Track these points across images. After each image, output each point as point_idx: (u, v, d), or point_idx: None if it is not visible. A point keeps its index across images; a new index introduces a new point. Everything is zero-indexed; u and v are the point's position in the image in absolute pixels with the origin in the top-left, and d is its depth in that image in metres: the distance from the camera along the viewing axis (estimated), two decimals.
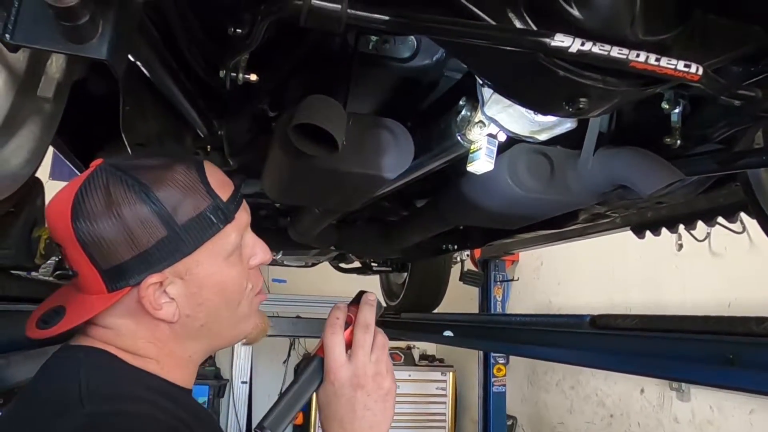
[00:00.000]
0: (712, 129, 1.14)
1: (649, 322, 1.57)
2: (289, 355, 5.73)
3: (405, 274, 3.57)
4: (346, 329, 0.80)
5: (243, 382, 5.34)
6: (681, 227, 2.03)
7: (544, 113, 0.86)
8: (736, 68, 0.94)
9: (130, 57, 0.80)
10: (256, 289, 0.81)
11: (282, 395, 0.79)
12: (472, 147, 1.09)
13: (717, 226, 2.53)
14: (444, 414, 5.35)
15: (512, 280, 4.38)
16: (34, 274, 1.20)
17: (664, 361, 1.50)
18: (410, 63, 1.16)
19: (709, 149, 1.18)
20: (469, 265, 4.17)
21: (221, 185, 0.75)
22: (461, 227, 2.36)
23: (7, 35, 0.55)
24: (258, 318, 0.83)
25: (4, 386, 0.89)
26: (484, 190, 1.29)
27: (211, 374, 5.09)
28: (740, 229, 2.83)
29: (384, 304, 0.84)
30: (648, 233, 2.10)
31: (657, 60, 0.70)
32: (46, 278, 1.26)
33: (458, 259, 3.82)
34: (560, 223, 1.80)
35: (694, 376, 1.43)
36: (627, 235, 2.16)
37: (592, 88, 0.75)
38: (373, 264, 3.42)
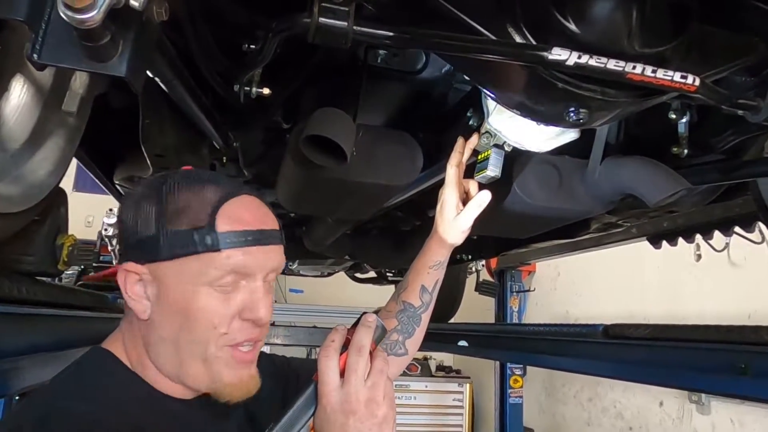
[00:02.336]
0: (718, 138, 1.15)
1: (662, 332, 1.57)
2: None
3: None
4: (342, 353, 0.75)
5: None
6: (698, 237, 2.01)
7: (546, 124, 0.88)
8: (739, 78, 0.96)
9: (148, 73, 0.84)
10: (232, 339, 0.76)
11: (275, 422, 0.74)
12: (479, 157, 1.11)
13: (736, 236, 2.52)
14: (461, 425, 5.31)
15: (528, 290, 4.36)
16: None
17: (677, 371, 1.50)
18: (420, 76, 1.19)
19: (717, 158, 1.19)
20: (485, 276, 4.17)
21: (234, 219, 0.75)
22: (474, 237, 2.38)
23: (35, 55, 0.60)
24: (230, 375, 0.77)
25: (26, 386, 0.94)
26: (493, 200, 1.31)
27: None
28: (759, 240, 2.79)
29: (388, 328, 0.82)
30: (664, 243, 2.09)
31: (653, 72, 0.72)
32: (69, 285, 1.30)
33: (474, 269, 3.81)
34: (572, 232, 1.81)
35: (706, 385, 1.43)
36: (645, 246, 2.15)
37: (591, 99, 0.77)
38: (388, 274, 3.44)
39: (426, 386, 5.30)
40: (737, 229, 1.88)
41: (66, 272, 3.56)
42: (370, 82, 1.13)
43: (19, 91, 0.89)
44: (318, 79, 1.11)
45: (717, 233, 1.93)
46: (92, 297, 1.38)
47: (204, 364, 0.76)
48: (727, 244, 3.07)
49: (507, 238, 2.15)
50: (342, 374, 0.74)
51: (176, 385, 0.79)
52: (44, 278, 1.07)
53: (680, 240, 2.05)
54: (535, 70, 0.74)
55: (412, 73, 1.15)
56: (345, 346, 0.76)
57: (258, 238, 0.76)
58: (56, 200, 0.97)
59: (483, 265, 4.05)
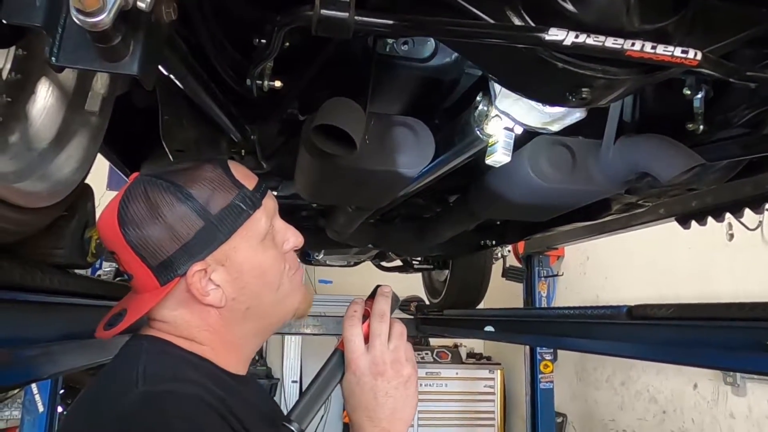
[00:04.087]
0: (734, 113, 1.13)
1: (685, 311, 1.55)
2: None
3: (446, 271, 3.59)
4: (364, 322, 0.83)
5: (293, 381, 5.48)
6: (729, 216, 1.97)
7: (550, 105, 0.89)
8: (750, 51, 0.94)
9: (163, 70, 0.88)
10: (294, 268, 0.87)
11: (306, 389, 0.82)
12: (490, 140, 1.12)
13: None
14: (493, 412, 5.33)
15: (556, 275, 4.33)
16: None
17: (701, 349, 1.49)
18: (430, 63, 1.20)
19: (734, 134, 1.18)
20: (512, 261, 4.15)
21: (245, 177, 0.82)
22: (498, 222, 2.38)
23: (53, 58, 0.63)
24: (302, 293, 0.89)
25: (65, 368, 1.00)
26: (507, 183, 1.32)
27: (263, 373, 5.25)
28: None
29: (400, 297, 0.87)
30: (694, 224, 2.06)
31: (653, 48, 0.72)
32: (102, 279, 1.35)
33: (500, 255, 3.80)
34: (593, 214, 1.80)
35: (730, 363, 1.42)
36: (675, 227, 2.12)
37: (593, 78, 0.77)
38: (414, 262, 3.46)
39: (457, 373, 5.33)
40: None
41: (104, 270, 3.69)
42: (381, 71, 1.15)
43: (44, 93, 0.94)
44: (330, 70, 1.13)
45: (748, 211, 1.89)
46: (122, 288, 1.44)
47: (285, 301, 0.85)
48: (760, 223, 3.00)
49: (530, 223, 2.15)
50: (366, 341, 0.82)
51: (236, 361, 0.85)
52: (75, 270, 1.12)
53: (710, 220, 2.02)
54: (535, 51, 0.75)
55: (422, 60, 1.16)
56: (364, 317, 0.83)
57: (264, 183, 0.85)
58: (83, 196, 1.03)
59: (509, 251, 4.04)
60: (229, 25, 0.97)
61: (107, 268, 3.77)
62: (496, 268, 3.82)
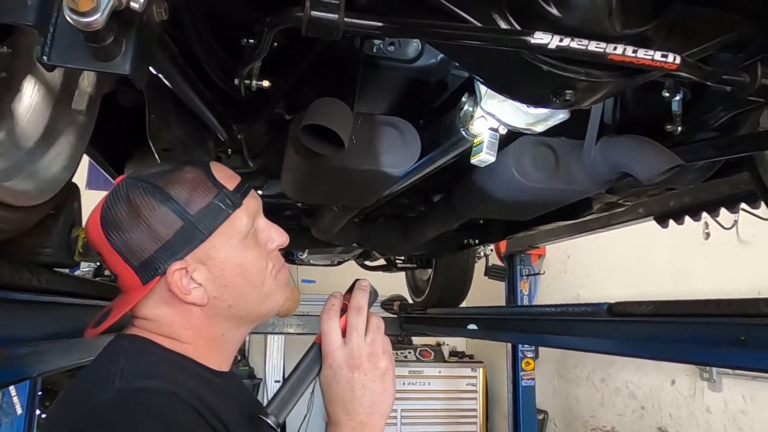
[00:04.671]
0: (711, 115, 1.17)
1: (664, 308, 1.59)
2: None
3: (430, 270, 3.62)
4: (341, 316, 0.82)
5: (276, 381, 5.47)
6: (706, 216, 2.02)
7: (535, 106, 0.91)
8: (726, 55, 0.98)
9: (151, 70, 0.88)
10: (278, 266, 0.88)
11: (283, 383, 0.81)
12: (475, 141, 1.14)
13: (745, 213, 2.51)
14: (475, 409, 5.37)
15: (538, 273, 4.38)
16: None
17: (679, 345, 1.53)
18: (416, 63, 1.22)
19: (711, 135, 1.21)
20: (494, 260, 4.19)
21: (227, 178, 0.83)
22: (481, 222, 2.41)
23: (44, 57, 0.64)
24: (287, 291, 0.89)
25: (48, 369, 1.00)
26: (491, 183, 1.34)
27: (245, 373, 5.22)
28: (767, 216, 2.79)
29: (383, 296, 0.87)
30: (672, 223, 2.10)
31: (634, 52, 0.74)
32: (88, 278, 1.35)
33: (482, 254, 3.84)
34: (575, 213, 1.84)
35: (707, 358, 1.46)
36: (654, 227, 2.17)
37: (576, 80, 0.80)
38: (397, 261, 3.48)
39: (440, 372, 5.36)
40: (744, 205, 1.89)
41: (83, 269, 3.64)
42: (368, 72, 1.16)
43: (30, 91, 0.94)
44: (317, 70, 1.14)
45: (724, 211, 1.94)
46: (109, 288, 1.43)
47: (269, 299, 0.86)
48: (736, 222, 3.08)
49: (513, 221, 2.18)
50: (343, 334, 0.81)
51: (217, 358, 0.86)
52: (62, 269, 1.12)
53: (687, 219, 2.07)
54: (520, 54, 0.76)
55: (408, 61, 1.17)
56: (342, 311, 0.83)
57: (246, 183, 0.86)
58: (70, 195, 1.02)
59: (492, 250, 4.08)
60: (218, 25, 0.98)
61: (86, 267, 3.73)
62: (479, 267, 3.86)
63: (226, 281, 0.82)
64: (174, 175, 0.81)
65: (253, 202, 0.85)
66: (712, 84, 0.90)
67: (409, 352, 5.47)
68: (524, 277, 4.00)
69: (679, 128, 1.17)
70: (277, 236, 0.88)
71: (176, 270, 0.79)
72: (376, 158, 1.15)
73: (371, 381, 0.80)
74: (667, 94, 1.15)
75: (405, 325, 3.96)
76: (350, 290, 0.87)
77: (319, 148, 1.00)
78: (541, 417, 4.61)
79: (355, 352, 0.80)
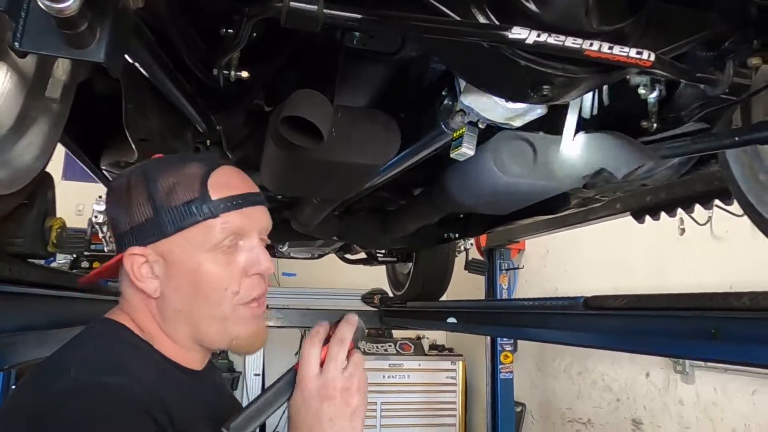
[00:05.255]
0: (685, 112, 1.19)
1: (639, 302, 1.62)
2: (300, 347, 5.83)
3: (410, 264, 3.63)
4: (324, 345, 0.80)
5: (255, 375, 5.44)
6: (680, 211, 2.06)
7: (513, 101, 0.92)
8: (701, 53, 0.99)
9: (128, 58, 0.87)
10: (245, 297, 0.82)
11: (252, 401, 0.79)
12: (454, 135, 1.15)
13: (719, 210, 2.56)
14: (454, 402, 5.41)
15: (517, 268, 4.42)
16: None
17: (653, 338, 1.55)
18: (396, 56, 1.22)
19: (685, 132, 1.23)
20: (474, 254, 4.22)
21: (221, 186, 0.81)
22: (461, 216, 2.42)
23: (16, 43, 0.62)
24: (250, 326, 0.84)
25: (22, 361, 0.98)
26: (470, 177, 1.35)
27: (224, 367, 5.19)
28: (741, 212, 2.85)
29: (365, 329, 0.85)
30: (648, 219, 2.14)
31: (609, 48, 0.76)
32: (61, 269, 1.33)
33: (463, 248, 3.86)
34: (553, 208, 1.85)
35: (679, 351, 1.49)
36: (632, 223, 2.20)
37: (553, 75, 0.81)
38: (378, 254, 3.48)
39: (419, 365, 5.38)
40: (718, 202, 1.93)
41: (59, 261, 3.59)
42: (348, 64, 1.16)
43: (2, 78, 0.91)
44: (297, 61, 1.14)
45: (698, 207, 1.98)
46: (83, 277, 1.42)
47: (221, 324, 0.82)
48: (710, 218, 3.14)
49: (493, 216, 2.20)
50: (322, 364, 0.79)
51: (187, 356, 0.85)
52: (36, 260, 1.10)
53: (663, 215, 2.11)
54: (498, 49, 0.77)
55: (388, 54, 1.17)
56: (327, 340, 0.81)
57: (248, 199, 0.83)
58: (43, 184, 1.00)
59: (472, 244, 4.10)
60: (196, 14, 0.96)
61: (62, 260, 3.68)
62: (459, 261, 3.88)
63: (178, 284, 0.81)
64: (179, 165, 0.82)
65: (239, 220, 0.81)
66: (686, 81, 0.92)
67: (389, 346, 5.49)
68: (503, 271, 4.04)
69: (654, 125, 1.18)
70: (264, 262, 0.83)
71: (134, 254, 0.80)
72: (356, 151, 1.15)
73: (340, 416, 0.77)
74: (643, 91, 1.17)
75: (385, 318, 3.97)
76: (338, 322, 0.83)
77: (298, 139, 1.00)
78: (519, 409, 4.66)
79: (329, 383, 0.77)
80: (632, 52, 0.76)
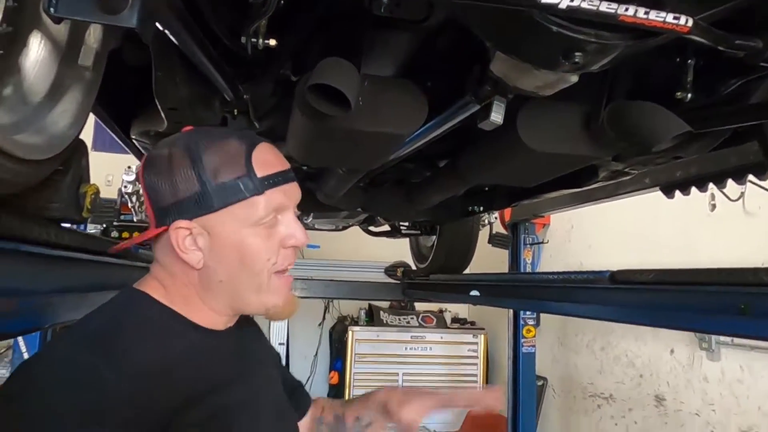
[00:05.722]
0: (722, 82, 1.15)
1: (666, 276, 1.60)
2: (324, 318, 5.91)
3: (434, 237, 3.63)
4: None
5: (280, 344, 5.54)
6: (712, 186, 2.01)
7: (543, 68, 0.90)
8: (739, 20, 0.96)
9: (158, 26, 0.87)
10: (279, 266, 0.88)
11: None
12: (483, 104, 1.13)
13: (753, 186, 2.49)
14: (476, 375, 5.47)
15: (542, 242, 4.40)
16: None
17: (680, 313, 1.54)
18: (424, 23, 1.20)
19: (721, 102, 1.20)
20: (498, 228, 4.20)
21: (264, 164, 0.85)
22: (486, 188, 2.40)
23: (51, 9, 0.63)
24: (282, 296, 0.90)
25: (58, 321, 1.03)
26: (497, 147, 1.34)
27: None
28: None
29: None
30: (678, 194, 2.10)
31: (645, 13, 0.74)
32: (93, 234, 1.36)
33: (487, 221, 3.85)
34: (580, 181, 1.83)
35: (707, 326, 1.47)
36: (659, 197, 2.16)
37: (586, 42, 0.79)
38: (401, 227, 3.49)
39: (441, 337, 5.44)
40: (752, 177, 1.88)
41: (89, 230, 3.68)
42: (375, 32, 1.15)
43: (37, 46, 0.93)
44: (324, 30, 1.13)
45: (731, 182, 1.93)
46: (112, 244, 1.45)
47: (258, 294, 0.87)
48: (743, 194, 3.06)
49: (518, 189, 2.18)
50: None
51: (216, 319, 0.89)
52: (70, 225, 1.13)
53: (693, 189, 2.06)
54: (530, 14, 0.76)
55: (416, 22, 1.16)
56: None
57: (286, 176, 0.88)
58: (77, 151, 1.03)
59: (496, 218, 4.08)
60: None
61: (92, 229, 3.77)
62: (483, 235, 3.87)
63: (223, 256, 0.85)
64: (219, 142, 0.85)
65: (279, 196, 0.86)
66: (724, 49, 0.89)
67: (412, 318, 5.55)
68: (527, 245, 4.02)
69: (689, 95, 1.15)
70: (299, 236, 0.89)
71: (180, 228, 0.83)
72: (383, 120, 1.15)
73: None
74: (679, 59, 1.13)
75: (408, 290, 4.00)
76: None
77: (325, 108, 1.00)
78: (540, 383, 4.69)
79: None
80: (669, 17, 0.74)
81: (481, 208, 2.54)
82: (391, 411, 1.09)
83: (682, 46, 1.11)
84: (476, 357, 5.48)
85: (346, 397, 5.16)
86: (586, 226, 4.47)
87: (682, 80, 1.15)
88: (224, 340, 0.90)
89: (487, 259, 4.06)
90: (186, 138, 0.86)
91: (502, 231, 4.10)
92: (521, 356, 3.89)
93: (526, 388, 3.90)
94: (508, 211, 3.90)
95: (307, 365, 5.75)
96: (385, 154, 1.37)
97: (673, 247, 3.58)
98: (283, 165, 0.89)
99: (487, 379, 5.51)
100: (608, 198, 2.59)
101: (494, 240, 3.92)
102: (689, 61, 1.14)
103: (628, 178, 2.00)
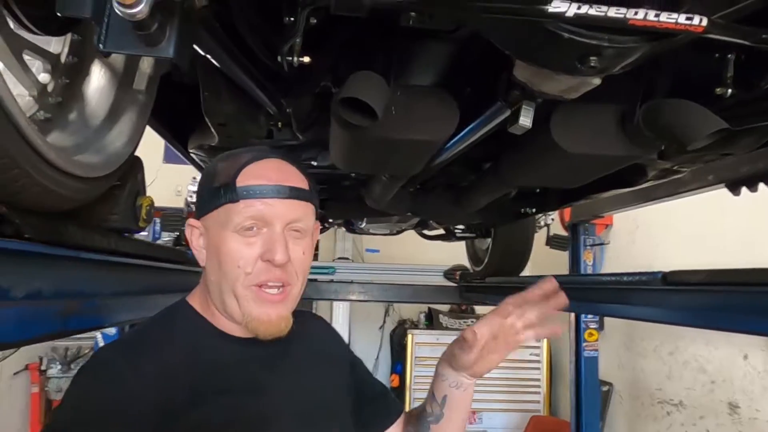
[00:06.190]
0: (762, 77, 1.12)
1: (720, 276, 1.55)
2: (384, 321, 5.98)
3: (489, 239, 3.62)
4: None
5: None
6: None
7: (563, 73, 0.91)
8: None
9: (198, 50, 0.96)
10: (255, 279, 0.88)
11: None
12: (512, 109, 1.15)
13: None
14: (539, 379, 5.37)
15: (603, 243, 4.27)
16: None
17: (735, 314, 1.49)
18: (455, 34, 1.23)
19: (762, 98, 1.16)
20: (557, 230, 4.13)
21: (251, 176, 0.89)
22: (537, 190, 2.39)
23: (101, 45, 0.72)
24: (258, 311, 0.88)
25: (117, 321, 1.14)
26: (533, 151, 1.35)
27: None
28: None
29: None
30: (744, 190, 2.00)
31: (656, 16, 0.74)
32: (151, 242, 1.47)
33: (543, 223, 3.79)
34: (628, 180, 1.80)
35: (763, 328, 1.41)
36: (726, 194, 2.07)
37: (600, 47, 0.80)
38: (456, 230, 3.50)
39: None
40: None
41: (164, 239, 3.90)
42: (407, 44, 1.19)
43: (98, 74, 1.04)
44: (356, 45, 1.18)
45: None
46: (172, 251, 1.57)
47: (235, 300, 0.89)
48: None
49: (568, 190, 2.15)
50: None
51: (230, 325, 0.93)
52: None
53: (761, 186, 1.96)
54: (541, 23, 0.78)
55: (446, 33, 1.19)
56: None
57: (276, 190, 0.89)
58: (133, 167, 1.13)
59: (553, 219, 4.01)
60: (261, 4, 1.04)
61: (167, 237, 3.99)
62: (541, 236, 3.81)
63: (210, 256, 0.92)
64: (235, 156, 0.94)
65: (258, 207, 0.87)
66: (752, 45, 0.87)
67: (472, 321, 5.51)
68: (588, 246, 3.92)
69: (729, 91, 1.13)
70: (277, 253, 0.87)
71: (190, 225, 0.93)
72: (415, 128, 1.19)
73: None
74: (717, 56, 1.11)
75: (465, 294, 4.00)
76: None
77: (354, 119, 1.05)
78: (605, 389, 4.55)
79: None
80: (681, 18, 0.74)
81: (534, 210, 2.52)
82: (455, 362, 1.07)
83: (719, 41, 1.09)
84: (539, 362, 5.38)
85: (407, 400, 5.20)
86: (651, 226, 4.31)
87: (722, 76, 1.12)
88: (248, 348, 0.92)
89: (546, 260, 4.00)
90: (227, 152, 0.96)
91: (561, 232, 4.03)
92: (583, 360, 3.79)
93: (588, 393, 3.79)
94: (567, 212, 3.83)
95: (369, 368, 5.83)
96: (420, 160, 1.41)
97: (742, 246, 3.40)
98: (280, 180, 0.89)
99: (551, 384, 5.40)
100: (670, 197, 2.50)
101: (552, 241, 3.86)
102: (729, 56, 1.11)
103: (688, 176, 1.94)
